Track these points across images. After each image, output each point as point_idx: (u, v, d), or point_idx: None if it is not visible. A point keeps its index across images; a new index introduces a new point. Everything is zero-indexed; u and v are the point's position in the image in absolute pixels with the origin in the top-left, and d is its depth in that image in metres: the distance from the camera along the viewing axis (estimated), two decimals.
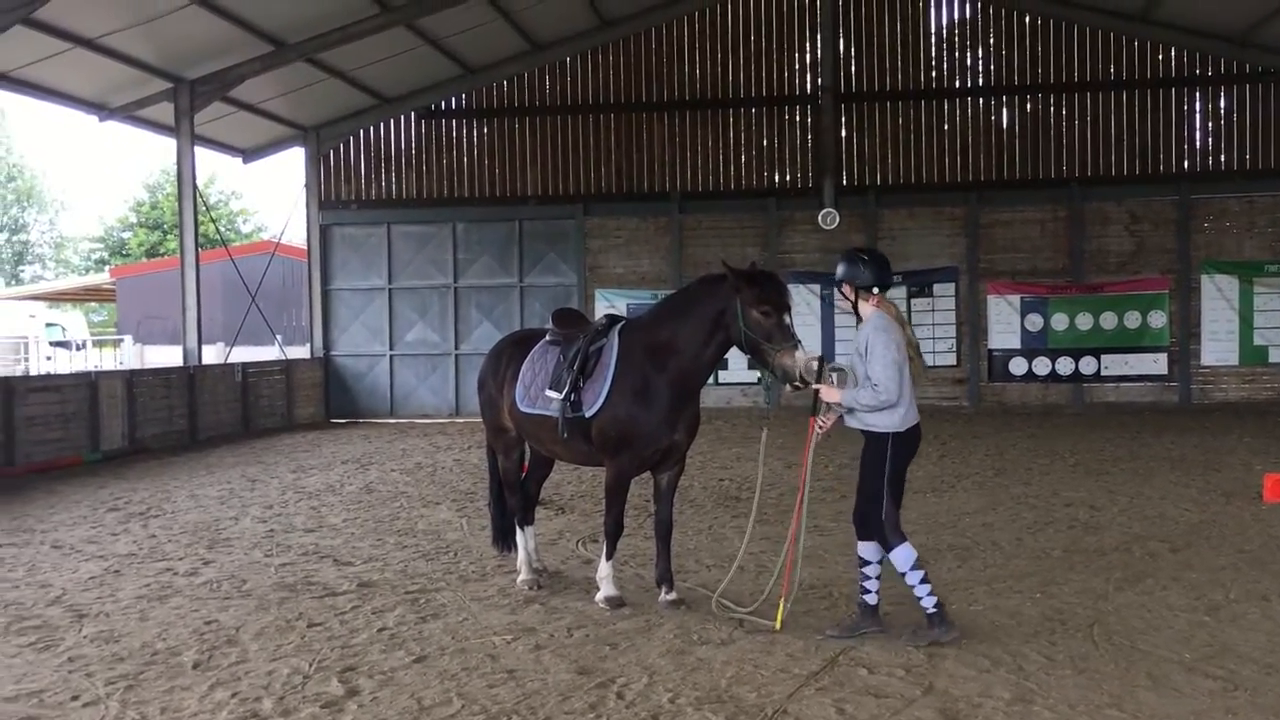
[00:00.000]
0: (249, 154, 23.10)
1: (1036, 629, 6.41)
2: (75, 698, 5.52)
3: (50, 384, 16.19)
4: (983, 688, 5.44)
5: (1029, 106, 21.59)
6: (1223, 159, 21.13)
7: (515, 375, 7.61)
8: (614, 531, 7.19)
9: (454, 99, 22.67)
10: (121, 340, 35.45)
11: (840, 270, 6.41)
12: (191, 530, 10.04)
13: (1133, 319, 20.82)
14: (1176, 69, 21.11)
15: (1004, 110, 21.70)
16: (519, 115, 22.53)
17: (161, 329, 34.45)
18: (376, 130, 22.86)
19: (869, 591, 6.42)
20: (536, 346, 7.66)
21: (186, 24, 16.50)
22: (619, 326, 7.35)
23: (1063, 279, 21.10)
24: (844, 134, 21.97)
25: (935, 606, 6.15)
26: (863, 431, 6.38)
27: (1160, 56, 21.12)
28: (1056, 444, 15.47)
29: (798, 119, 22.17)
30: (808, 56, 22.09)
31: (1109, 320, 20.88)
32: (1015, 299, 21.07)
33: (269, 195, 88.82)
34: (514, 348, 7.93)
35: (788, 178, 22.22)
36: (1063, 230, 21.19)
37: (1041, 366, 21.01)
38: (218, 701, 5.43)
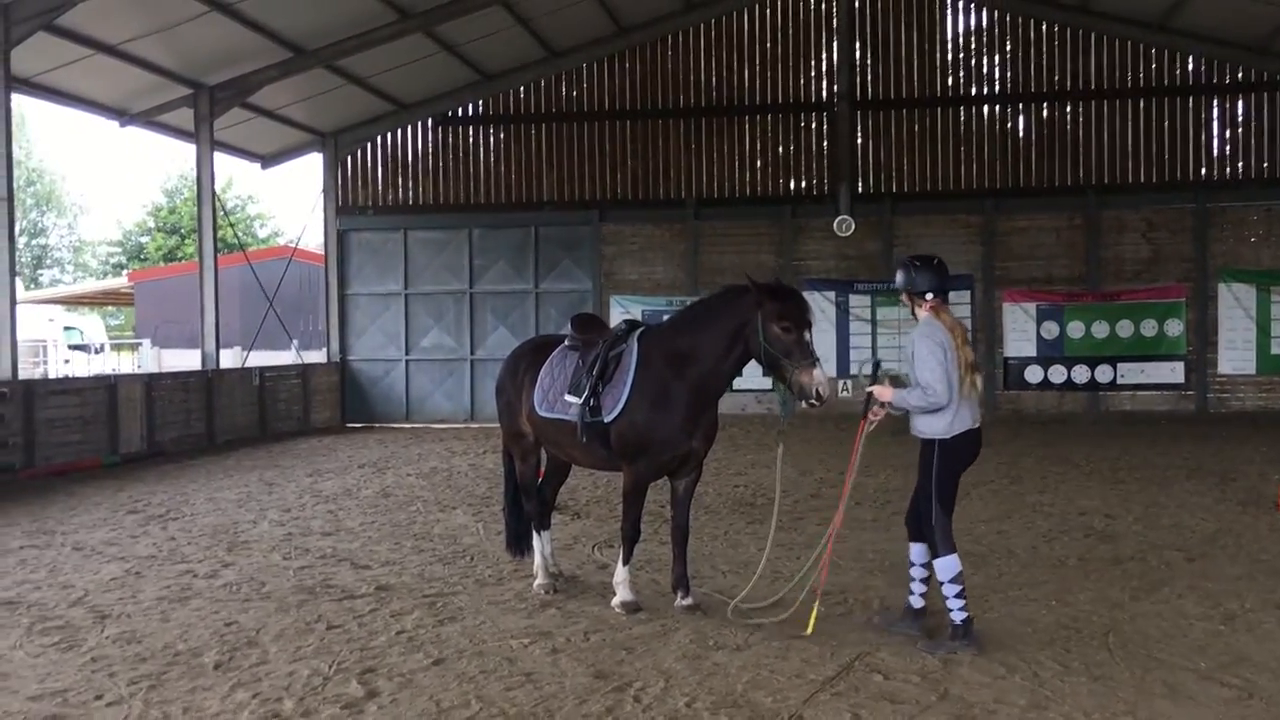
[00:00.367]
0: (267, 159, 23.26)
1: (1052, 637, 6.42)
2: (99, 697, 5.59)
3: (70, 387, 16.33)
4: (998, 694, 5.46)
5: (1045, 114, 21.57)
6: (1240, 167, 21.06)
7: (534, 380, 7.65)
8: (631, 536, 7.24)
9: (471, 105, 22.78)
10: (140, 344, 35.70)
11: (896, 278, 6.52)
12: (210, 533, 10.12)
13: (1149, 327, 20.77)
14: (1194, 77, 21.06)
15: (1020, 117, 21.68)
16: (535, 121, 22.62)
17: (179, 333, 34.68)
18: (394, 136, 22.99)
19: (914, 594, 6.50)
20: (555, 352, 7.71)
21: (207, 31, 16.65)
22: (638, 332, 7.39)
23: (1079, 287, 21.06)
24: (859, 141, 21.98)
25: (963, 620, 6.17)
26: (917, 437, 6.46)
27: (1178, 64, 21.07)
28: (1072, 452, 15.43)
29: (813, 126, 22.19)
30: (823, 63, 22.12)
31: (1125, 328, 20.83)
32: (1031, 307, 21.04)
33: (286, 199, 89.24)
34: (533, 353, 7.98)
35: (803, 184, 22.24)
36: (1079, 238, 21.15)
37: (1057, 375, 20.97)
38: (239, 702, 5.49)
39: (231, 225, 28.07)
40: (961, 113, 21.72)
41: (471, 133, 22.90)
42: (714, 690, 5.59)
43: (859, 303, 21.53)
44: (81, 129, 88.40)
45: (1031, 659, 6.00)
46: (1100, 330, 20.89)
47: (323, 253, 23.96)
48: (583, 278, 22.35)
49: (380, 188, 23.07)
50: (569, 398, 7.31)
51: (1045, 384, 20.91)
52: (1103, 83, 21.27)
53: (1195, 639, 6.37)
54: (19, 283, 20.15)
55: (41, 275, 64.04)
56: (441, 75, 21.50)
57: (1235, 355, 20.59)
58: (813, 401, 6.59)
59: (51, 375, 29.20)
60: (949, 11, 21.72)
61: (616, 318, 19.88)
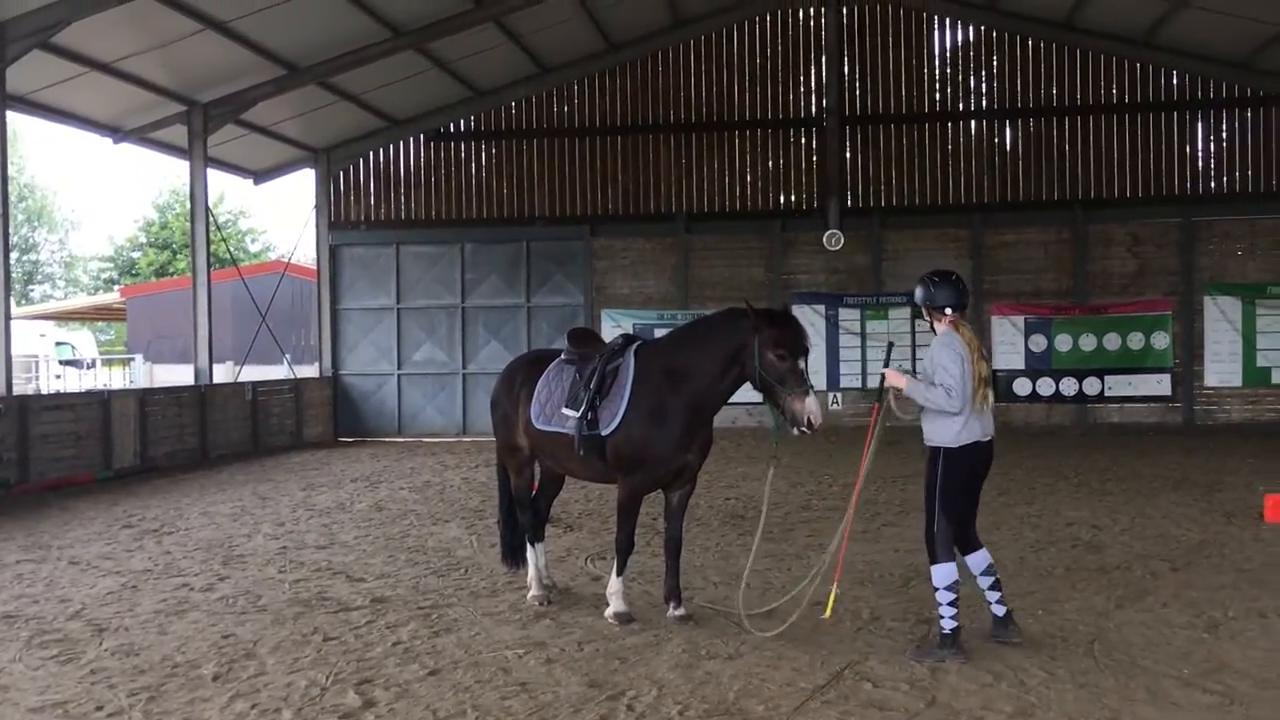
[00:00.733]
0: (260, 175, 23.36)
1: (1038, 645, 6.53)
2: (99, 708, 5.66)
3: (63, 402, 16.38)
4: (985, 701, 5.57)
5: (1032, 129, 21.79)
6: (1225, 182, 21.30)
7: (530, 393, 7.75)
8: (625, 547, 7.33)
9: (463, 121, 22.93)
10: (132, 359, 35.69)
11: (916, 293, 6.68)
12: (205, 547, 10.19)
13: (1136, 340, 20.95)
14: (1179, 92, 21.31)
15: (1007, 133, 21.90)
16: (527, 137, 22.77)
17: (171, 348, 34.69)
18: (386, 152, 23.11)
19: (990, 603, 6.53)
20: (552, 365, 7.81)
21: (201, 48, 16.76)
22: (635, 347, 7.50)
23: (1066, 300, 21.25)
24: (848, 156, 22.17)
25: (953, 630, 6.27)
26: (926, 445, 6.57)
27: (1163, 80, 21.31)
28: (1060, 464, 15.57)
29: (802, 141, 22.39)
30: (812, 79, 22.32)
31: (1112, 341, 21.02)
32: (1019, 320, 21.21)
33: (278, 214, 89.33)
34: (528, 367, 8.08)
35: (793, 199, 22.42)
36: (1066, 252, 21.35)
37: (1045, 387, 21.13)
38: (238, 713, 5.57)
39: (224, 240, 28.12)
40: (949, 128, 21.93)
41: (463, 148, 23.04)
42: (706, 699, 5.68)
43: (848, 316, 21.68)
44: (72, 144, 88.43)
45: (1018, 666, 6.11)
46: (1088, 343, 21.07)
47: (315, 268, 24.05)
48: (574, 292, 22.47)
49: (372, 203, 23.18)
50: (566, 411, 7.41)
51: (1034, 396, 21.06)
52: (1089, 98, 21.50)
53: (1179, 647, 6.49)
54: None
55: (33, 291, 63.95)
56: (433, 91, 21.64)
57: (1221, 368, 20.79)
58: (804, 429, 6.72)
59: (43, 391, 29.18)
60: (936, 28, 21.95)
61: (608, 332, 19.98)
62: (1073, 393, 21.11)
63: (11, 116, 16.08)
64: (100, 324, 52.15)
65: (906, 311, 21.24)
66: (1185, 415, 20.82)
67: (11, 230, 61.84)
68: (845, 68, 22.14)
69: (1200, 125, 21.42)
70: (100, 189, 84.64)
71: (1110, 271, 21.27)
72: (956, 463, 6.44)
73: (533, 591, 7.85)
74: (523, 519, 8.10)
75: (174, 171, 71.00)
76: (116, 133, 18.96)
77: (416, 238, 22.92)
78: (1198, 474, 14.35)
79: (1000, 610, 6.53)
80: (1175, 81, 21.28)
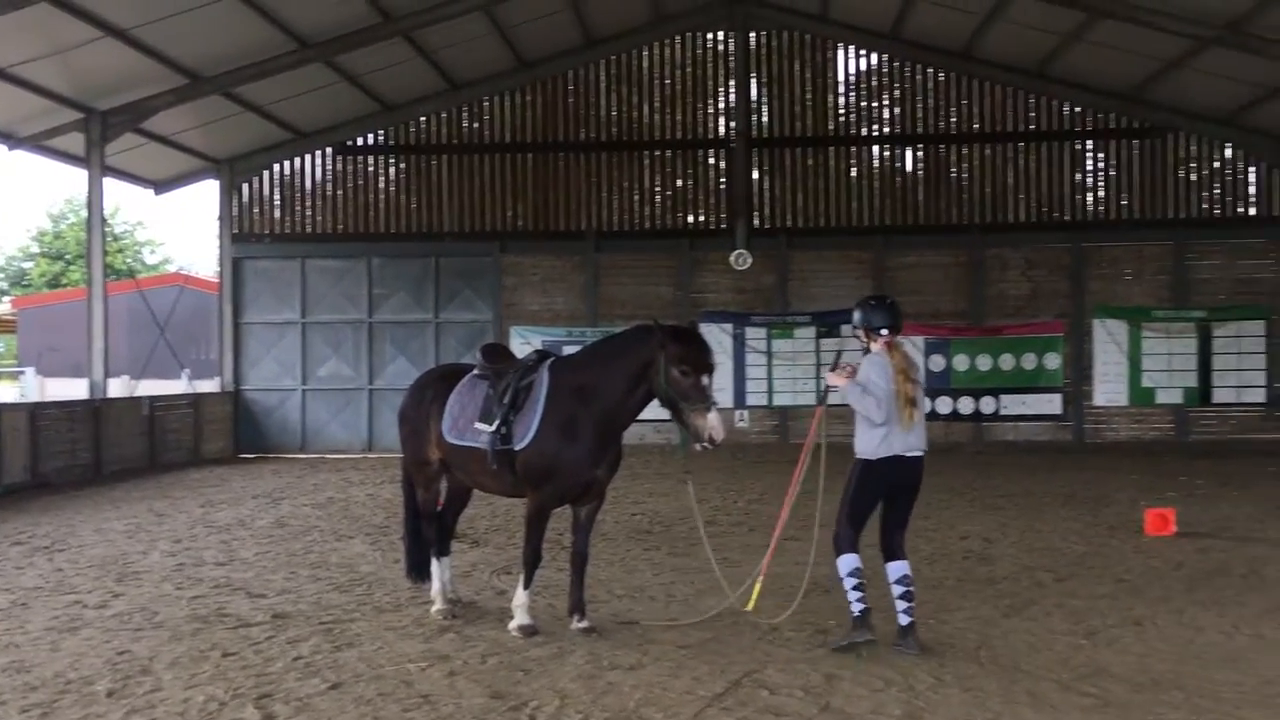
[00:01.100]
0: (161, 185, 22.87)
1: (928, 652, 6.77)
2: None
3: None
4: (875, 705, 5.77)
5: (933, 155, 22.45)
6: (1114, 209, 22.19)
7: (442, 408, 7.78)
8: (532, 561, 7.40)
9: (371, 135, 22.78)
10: (22, 372, 34.54)
11: (854, 316, 7.13)
12: (99, 564, 9.96)
13: (1029, 360, 21.67)
14: (1071, 123, 22.16)
15: (909, 158, 22.53)
16: (437, 153, 22.72)
17: (64, 361, 33.68)
18: (292, 164, 22.83)
19: (900, 610, 6.86)
20: (464, 380, 7.86)
21: (100, 56, 16.42)
22: (549, 363, 7.59)
23: (964, 321, 21.89)
24: (756, 178, 22.57)
25: (861, 612, 6.77)
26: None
27: (1056, 110, 22.14)
28: (956, 481, 16.01)
29: (711, 162, 22.73)
30: (721, 102, 22.70)
31: (1007, 361, 21.71)
32: (920, 340, 21.72)
33: (177, 226, 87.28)
34: (439, 382, 8.12)
35: (701, 219, 22.73)
36: (964, 275, 22.01)
37: (944, 406, 21.72)
38: None
39: (121, 251, 27.47)
40: (853, 152, 22.48)
41: (372, 162, 22.88)
42: (608, 708, 5.78)
43: (755, 335, 22.03)
44: None
45: (908, 673, 6.33)
46: (984, 363, 21.73)
47: (216, 280, 23.61)
48: (483, 308, 22.44)
49: (278, 215, 22.87)
50: (480, 425, 7.46)
51: (933, 415, 21.60)
52: (986, 127, 22.24)
53: (1059, 653, 6.78)
54: None
55: None
56: (342, 104, 21.47)
57: (1109, 387, 21.61)
58: (706, 444, 6.89)
59: None
60: (841, 55, 22.49)
61: (517, 348, 19.98)
62: (970, 411, 21.75)
63: None
64: None
65: (811, 330, 21.72)
66: (1075, 433, 21.58)
67: None
68: (753, 92, 22.55)
69: (1091, 154, 22.29)
70: None
71: (1005, 294, 21.99)
72: (872, 473, 6.89)
73: (437, 606, 7.87)
74: (428, 533, 8.11)
75: (70, 180, 69.17)
76: (10, 140, 18.43)
77: (323, 251, 22.67)
78: (1085, 490, 14.91)
79: (904, 620, 6.83)
80: (1067, 112, 22.13)
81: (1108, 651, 6.82)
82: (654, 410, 7.38)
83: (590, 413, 7.22)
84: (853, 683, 6.15)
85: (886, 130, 22.56)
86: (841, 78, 22.53)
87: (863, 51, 22.45)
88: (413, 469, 8.22)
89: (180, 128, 20.21)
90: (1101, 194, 22.29)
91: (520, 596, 7.40)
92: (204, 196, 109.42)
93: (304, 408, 22.55)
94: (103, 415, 17.96)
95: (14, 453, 15.82)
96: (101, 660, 6.71)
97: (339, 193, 22.80)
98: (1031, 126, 22.20)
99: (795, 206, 22.50)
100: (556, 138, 22.62)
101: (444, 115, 22.68)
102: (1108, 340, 21.58)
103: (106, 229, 19.44)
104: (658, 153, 22.69)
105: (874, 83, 22.52)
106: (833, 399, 7.29)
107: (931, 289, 22.05)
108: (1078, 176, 22.22)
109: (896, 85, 22.46)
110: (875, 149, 22.51)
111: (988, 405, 21.73)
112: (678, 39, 22.63)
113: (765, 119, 22.61)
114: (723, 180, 22.55)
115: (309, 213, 22.84)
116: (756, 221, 22.33)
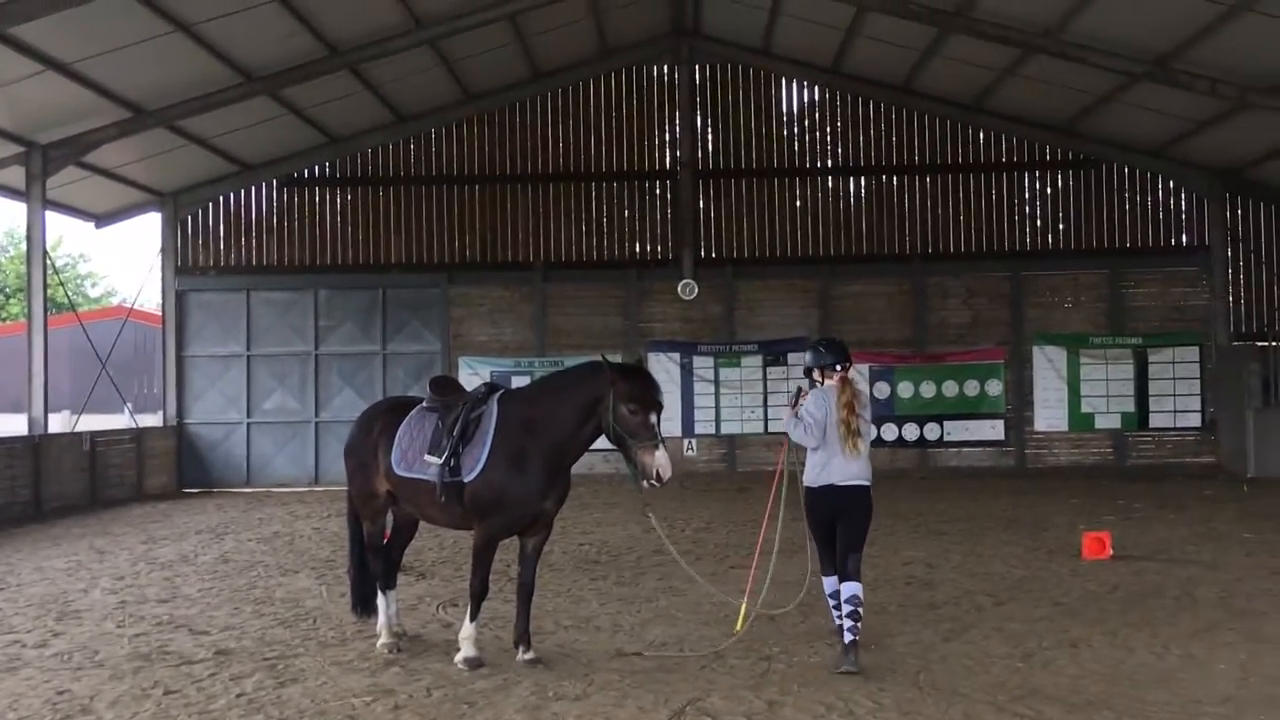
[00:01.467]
0: (103, 219, 22.62)
1: (868, 677, 6.89)
2: None
3: None
4: None
5: (875, 186, 22.85)
6: (1051, 238, 22.70)
7: (390, 440, 7.80)
8: (479, 593, 7.42)
9: (317, 167, 22.74)
10: None
11: (807, 357, 7.80)
12: (38, 603, 9.82)
13: (972, 387, 22.04)
14: (1008, 154, 22.67)
15: (851, 189, 22.91)
16: (384, 184, 22.73)
17: (2, 396, 33.07)
18: (237, 196, 22.70)
19: (846, 628, 7.20)
20: (413, 412, 7.89)
21: (41, 89, 16.26)
22: (498, 395, 7.65)
23: (907, 349, 22.22)
24: (702, 208, 22.82)
25: (839, 625, 7.32)
26: None
27: (993, 142, 22.66)
28: (901, 506, 16.21)
29: (657, 193, 22.94)
30: (667, 133, 22.96)
31: (950, 388, 22.06)
32: (864, 368, 22.00)
33: (119, 258, 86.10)
34: (387, 414, 8.14)
35: (648, 249, 22.90)
36: (907, 303, 22.36)
37: (889, 433, 21.99)
38: None
39: (62, 285, 27.10)
40: (797, 183, 22.81)
41: (318, 194, 22.82)
42: None
43: (702, 364, 22.19)
44: None
45: (848, 698, 6.44)
46: (928, 390, 22.06)
47: (160, 313, 23.36)
48: (431, 339, 22.41)
49: (222, 248, 22.71)
50: (429, 457, 7.49)
51: (878, 441, 21.84)
52: (926, 158, 22.68)
53: (996, 675, 6.94)
54: None
55: None
56: (287, 137, 21.43)
57: (1049, 413, 22.02)
58: (653, 482, 6.99)
59: None
60: (783, 88, 22.86)
61: (465, 379, 19.96)
62: (914, 438, 22.04)
63: None
64: None
65: (758, 359, 21.96)
66: (1017, 459, 21.95)
67: None
68: (698, 123, 22.85)
69: (1028, 185, 22.82)
70: None
71: (947, 322, 22.36)
72: (812, 499, 7.47)
73: (382, 639, 7.86)
74: (374, 567, 8.11)
75: (9, 212, 68.14)
76: None
77: (268, 284, 22.53)
78: (1026, 514, 15.19)
79: (849, 638, 7.10)
80: (1005, 144, 22.66)
81: (1043, 673, 6.99)
82: (603, 440, 7.46)
83: (539, 445, 7.28)
84: (794, 709, 6.25)
85: (830, 162, 22.93)
86: (785, 110, 22.89)
87: (805, 84, 22.84)
88: (359, 502, 8.22)
89: (123, 160, 20.03)
90: (1039, 224, 22.80)
91: (467, 628, 7.42)
92: (147, 229, 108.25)
93: (249, 441, 22.32)
94: (43, 451, 17.67)
95: None
96: (41, 700, 6.64)
97: (285, 225, 22.70)
98: (970, 159, 22.69)
99: (741, 237, 22.76)
100: (504, 169, 22.73)
101: (391, 147, 22.70)
102: (1047, 367, 22.02)
103: (47, 262, 19.16)
104: (604, 184, 22.86)
105: (817, 115, 22.91)
106: (781, 426, 7.76)
107: (875, 317, 22.37)
108: (1016, 207, 22.71)
109: (839, 118, 22.86)
110: (819, 180, 22.86)
111: (932, 432, 22.04)
112: (623, 71, 22.87)
113: (710, 150, 22.90)
114: (669, 211, 22.77)
115: (254, 245, 22.70)
116: (703, 252, 22.55)
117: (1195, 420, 21.91)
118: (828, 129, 22.94)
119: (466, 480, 7.31)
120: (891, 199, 22.71)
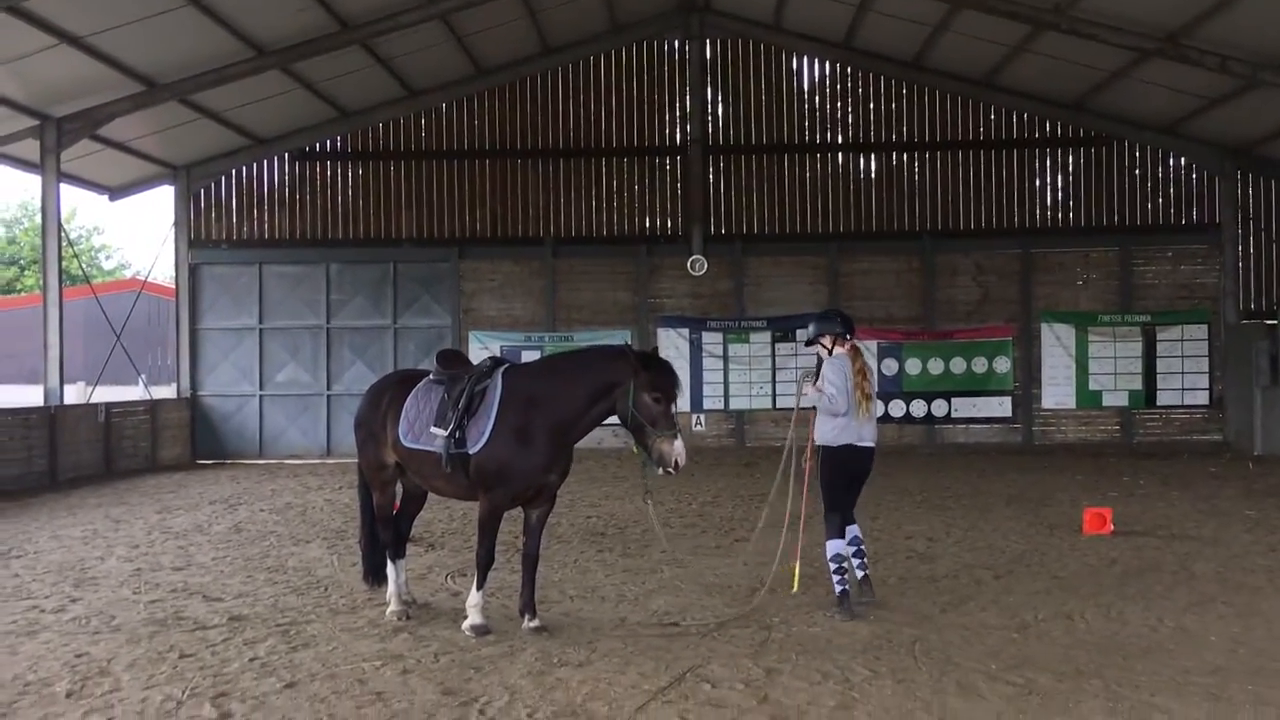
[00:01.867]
0: (116, 192, 22.81)
1: (865, 646, 7.05)
2: None
3: None
4: (811, 697, 6.03)
5: (885, 162, 22.86)
6: (1061, 216, 22.70)
7: (398, 412, 7.96)
8: (485, 562, 7.59)
9: (329, 141, 22.84)
10: None
11: (812, 328, 8.44)
12: (56, 570, 10.03)
13: (980, 364, 22.11)
14: (1019, 131, 22.64)
15: (861, 165, 22.92)
16: (395, 159, 22.83)
17: (18, 367, 33.39)
18: (250, 170, 22.85)
19: (857, 564, 8.28)
20: (420, 385, 8.04)
21: (55, 63, 16.40)
22: (503, 369, 7.78)
23: (916, 326, 22.29)
24: (712, 184, 22.87)
25: (841, 593, 7.93)
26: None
27: (1004, 119, 22.63)
28: (907, 482, 16.36)
29: (668, 168, 22.99)
30: (677, 109, 22.98)
31: (958, 365, 22.14)
32: (873, 344, 22.09)
33: (133, 231, 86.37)
34: (395, 387, 8.29)
35: (658, 225, 22.98)
36: (916, 280, 22.41)
37: (897, 409, 22.10)
38: None
39: (76, 257, 27.29)
40: (808, 159, 22.83)
41: (330, 168, 22.95)
42: (555, 702, 6.00)
43: (711, 340, 22.31)
44: None
45: (845, 666, 6.60)
46: (936, 367, 22.14)
47: (173, 286, 23.56)
48: (442, 314, 22.56)
49: (235, 221, 22.88)
50: (435, 429, 7.65)
51: (885, 418, 21.97)
52: (938, 135, 22.67)
53: (990, 645, 7.08)
54: None
55: None
56: (299, 111, 21.53)
57: (1057, 391, 22.09)
58: (669, 470, 7.14)
59: None
60: (795, 63, 22.84)
61: (475, 353, 20.14)
62: (922, 414, 22.15)
63: None
64: None
65: (767, 335, 22.06)
66: (1025, 436, 22.05)
67: None
68: (709, 98, 22.87)
69: (1038, 162, 22.79)
70: None
71: (956, 299, 22.41)
72: (832, 458, 8.12)
73: (392, 607, 8.04)
74: (385, 537, 8.29)
75: (24, 185, 68.34)
76: None
77: (280, 257, 22.70)
78: (1030, 490, 15.30)
79: (860, 573, 8.20)
80: (1015, 121, 22.62)
81: (1037, 644, 7.13)
82: (610, 416, 7.59)
83: (545, 420, 7.41)
84: (791, 676, 6.41)
85: (840, 138, 22.94)
86: (796, 86, 22.89)
87: (816, 60, 22.82)
88: (369, 473, 8.39)
89: (136, 134, 20.19)
90: (1049, 201, 22.79)
91: (474, 597, 7.60)
92: (161, 202, 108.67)
93: (262, 413, 22.56)
94: (58, 422, 17.92)
95: None
96: (60, 663, 6.84)
97: (297, 199, 22.85)
98: (981, 135, 22.67)
99: (751, 212, 22.82)
100: (514, 144, 22.80)
101: (402, 121, 22.80)
102: (1055, 344, 22.07)
103: (62, 234, 19.35)
104: (615, 159, 22.91)
105: (827, 91, 22.90)
106: (805, 403, 8.42)
107: (884, 294, 22.44)
108: (1026, 184, 22.70)
109: (849, 94, 22.85)
110: (829, 156, 22.87)
111: (939, 408, 22.14)
112: (634, 46, 22.88)
113: (721, 126, 22.92)
114: (679, 186, 22.83)
115: (266, 218, 22.86)
116: (712, 227, 22.62)
117: (1203, 398, 21.96)
118: (838, 105, 22.93)
119: (471, 452, 7.46)
120: (901, 175, 22.72)
